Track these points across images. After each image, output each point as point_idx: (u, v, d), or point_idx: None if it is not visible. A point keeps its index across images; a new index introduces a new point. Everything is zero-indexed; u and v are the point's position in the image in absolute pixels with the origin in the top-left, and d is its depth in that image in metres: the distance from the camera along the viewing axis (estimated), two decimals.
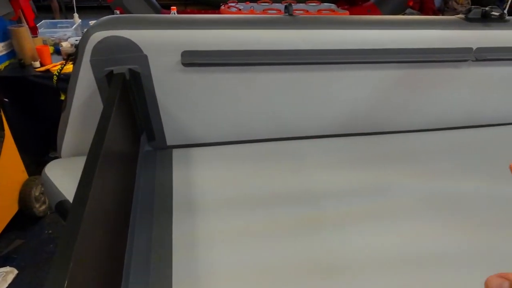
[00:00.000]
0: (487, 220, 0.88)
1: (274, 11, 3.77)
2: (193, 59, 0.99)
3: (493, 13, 1.13)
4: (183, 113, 1.08)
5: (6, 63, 2.03)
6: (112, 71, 0.95)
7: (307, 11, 3.85)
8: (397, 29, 1.10)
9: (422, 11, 5.89)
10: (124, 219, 0.78)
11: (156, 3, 4.77)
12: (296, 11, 3.91)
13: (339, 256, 0.76)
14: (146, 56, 0.96)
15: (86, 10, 5.55)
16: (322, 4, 4.17)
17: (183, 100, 1.06)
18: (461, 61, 1.15)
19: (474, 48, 1.13)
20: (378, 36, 1.09)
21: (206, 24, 0.99)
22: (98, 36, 0.93)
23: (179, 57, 0.98)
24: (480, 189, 0.98)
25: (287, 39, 1.03)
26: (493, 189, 0.98)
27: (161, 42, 0.97)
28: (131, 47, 0.94)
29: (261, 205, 0.90)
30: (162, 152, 1.09)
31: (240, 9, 3.80)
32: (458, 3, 6.29)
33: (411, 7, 6.19)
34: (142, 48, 0.95)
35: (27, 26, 2.06)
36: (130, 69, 0.96)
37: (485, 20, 1.14)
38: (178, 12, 5.10)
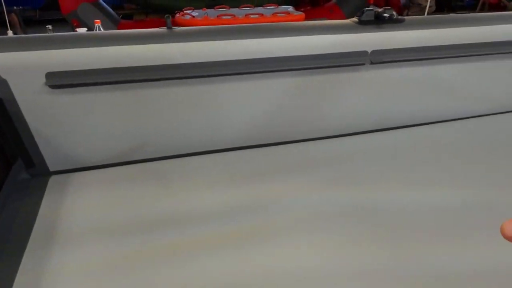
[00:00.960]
0: (365, 236, 0.82)
1: (229, 17, 3.72)
2: (59, 81, 0.92)
3: (385, 14, 1.09)
4: (61, 136, 1.01)
5: None
6: None
7: (262, 15, 3.81)
8: (288, 37, 1.06)
9: None
10: None
11: (114, 13, 4.68)
12: (251, 16, 3.87)
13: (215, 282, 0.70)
14: (5, 81, 0.90)
15: (48, 23, 5.42)
16: (279, 7, 4.14)
17: (58, 123, 0.99)
18: (357, 65, 1.10)
19: (370, 51, 1.09)
20: (266, 45, 1.04)
21: (71, 42, 0.93)
22: None
23: (44, 79, 0.91)
24: (380, 199, 0.91)
25: (164, 53, 0.98)
26: (396, 198, 0.91)
27: (21, 65, 0.90)
28: None
29: (131, 233, 0.83)
30: (39, 179, 1.02)
31: (194, 16, 3.75)
32: None
33: (376, 4, 6.24)
34: (0, 73, 0.89)
35: None
36: None
37: (379, 22, 1.10)
38: (137, 22, 5.03)
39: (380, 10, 1.10)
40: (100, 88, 0.96)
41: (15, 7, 5.45)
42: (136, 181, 1.01)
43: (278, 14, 3.80)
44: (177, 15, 3.88)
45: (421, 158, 1.05)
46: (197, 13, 3.86)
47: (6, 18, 4.46)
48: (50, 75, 0.91)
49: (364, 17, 1.10)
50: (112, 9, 5.28)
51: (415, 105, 1.21)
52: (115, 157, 1.07)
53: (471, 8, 6.38)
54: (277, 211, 0.87)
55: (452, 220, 0.82)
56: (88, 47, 0.94)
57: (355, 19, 1.12)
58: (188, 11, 3.90)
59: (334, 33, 1.08)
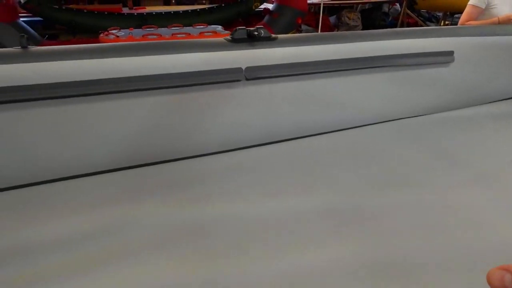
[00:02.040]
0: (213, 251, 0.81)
1: (155, 36, 3.68)
2: None
3: (256, 33, 1.12)
4: None
5: None
6: None
7: (189, 34, 3.83)
8: (160, 55, 1.05)
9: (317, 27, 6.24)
10: None
11: (36, 34, 4.44)
12: (178, 35, 3.85)
13: None
14: None
15: None
16: (207, 26, 4.18)
17: None
18: (233, 81, 1.12)
19: (244, 67, 1.11)
20: (136, 63, 1.02)
21: None
22: None
23: None
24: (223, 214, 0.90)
25: (16, 74, 0.92)
26: (256, 208, 0.90)
27: None
28: None
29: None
30: None
31: (118, 36, 3.66)
32: (350, 18, 6.81)
33: (308, 24, 6.57)
34: None
35: None
36: None
37: (251, 40, 1.14)
38: (61, 42, 4.81)
39: (252, 28, 1.13)
40: None
41: None
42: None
43: (205, 33, 3.83)
44: (101, 34, 3.77)
45: (295, 169, 1.08)
46: (122, 33, 3.78)
47: None
48: None
49: (236, 35, 1.12)
50: (43, 29, 5.03)
51: (294, 119, 1.25)
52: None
53: (393, 26, 6.93)
54: (136, 231, 0.84)
55: (313, 224, 0.84)
56: None
57: (228, 37, 1.14)
58: (114, 31, 3.80)
59: (208, 51, 1.09)
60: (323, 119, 1.28)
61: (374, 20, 7.05)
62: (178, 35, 3.74)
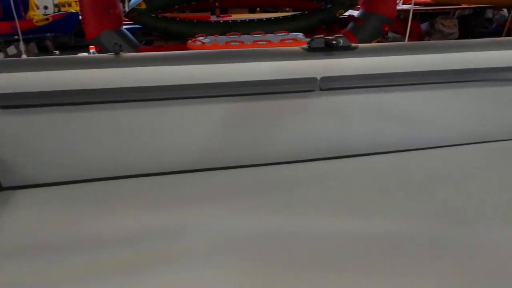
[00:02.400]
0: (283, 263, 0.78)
1: (237, 43, 3.82)
2: (9, 102, 0.97)
3: (335, 42, 1.07)
4: (13, 154, 1.05)
5: None
6: None
7: (270, 41, 3.88)
8: (237, 63, 1.07)
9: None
10: None
11: (135, 39, 4.94)
12: (259, 42, 3.94)
13: None
14: None
15: (83, 50, 5.76)
16: (289, 34, 4.20)
17: (8, 142, 1.04)
18: (306, 91, 1.09)
19: (319, 77, 1.07)
20: (213, 71, 1.05)
21: (21, 66, 0.98)
22: None
23: None
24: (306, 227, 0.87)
25: (111, 77, 1.01)
26: (326, 227, 0.86)
27: None
28: None
29: (57, 250, 0.84)
30: None
31: (204, 43, 3.87)
32: (444, 25, 6.25)
33: (396, 32, 6.19)
34: None
35: None
36: None
37: (329, 49, 1.09)
38: (156, 47, 5.27)
39: (330, 37, 1.09)
40: (48, 109, 1.00)
41: (48, 34, 5.88)
42: (78, 200, 1.02)
43: (286, 41, 3.85)
44: (189, 41, 4.03)
45: (365, 187, 1.00)
46: (208, 39, 4.00)
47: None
48: (0, 97, 0.96)
49: (313, 44, 1.09)
50: (141, 35, 5.60)
51: (367, 133, 1.16)
52: (62, 176, 1.10)
53: (497, 34, 6.18)
54: (196, 236, 0.86)
55: (375, 251, 0.77)
56: (37, 71, 0.99)
57: (305, 46, 1.11)
58: (200, 38, 4.04)
59: (283, 60, 1.08)
60: (401, 135, 1.17)
61: (474, 28, 6.37)
62: (259, 42, 3.82)
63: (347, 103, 1.13)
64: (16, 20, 3.79)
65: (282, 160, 1.17)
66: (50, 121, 1.02)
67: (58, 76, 0.99)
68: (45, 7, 7.14)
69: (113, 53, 1.05)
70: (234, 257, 0.78)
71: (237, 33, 4.29)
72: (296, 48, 1.12)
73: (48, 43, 6.16)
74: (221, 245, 0.82)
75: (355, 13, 5.19)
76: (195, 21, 5.15)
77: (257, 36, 4.11)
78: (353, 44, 1.11)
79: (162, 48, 5.00)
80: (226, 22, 5.14)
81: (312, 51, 1.09)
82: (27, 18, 5.56)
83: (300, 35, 4.13)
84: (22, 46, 4.90)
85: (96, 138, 1.06)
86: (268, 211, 0.93)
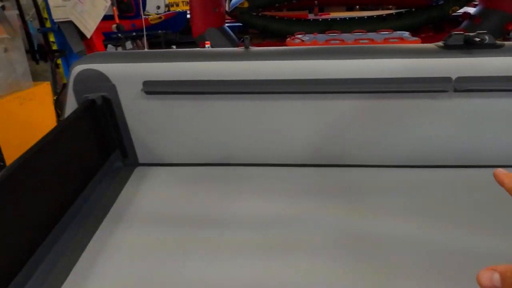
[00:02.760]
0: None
1: (337, 41, 3.74)
2: (153, 88, 1.10)
3: (478, 39, 0.97)
4: (151, 134, 1.19)
5: None
6: (88, 97, 1.13)
7: (373, 40, 3.72)
8: (365, 59, 1.04)
9: None
10: (51, 225, 0.91)
11: (234, 37, 5.18)
12: (361, 41, 3.81)
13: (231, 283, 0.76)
14: (114, 86, 1.12)
15: (186, 46, 6.30)
16: (393, 32, 3.97)
17: (149, 124, 1.18)
18: (438, 91, 1.01)
19: (454, 77, 0.99)
20: (339, 66, 1.04)
21: (163, 57, 1.11)
22: (77, 69, 1.12)
23: (141, 86, 1.11)
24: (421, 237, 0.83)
25: (238, 70, 1.07)
26: (434, 239, 0.82)
27: (126, 74, 1.11)
28: (102, 78, 1.11)
29: (185, 225, 0.94)
30: (128, 168, 1.22)
31: (303, 41, 3.88)
32: None
33: None
34: (111, 79, 1.11)
35: None
36: (102, 96, 1.13)
37: (468, 47, 0.99)
38: (254, 45, 5.45)
39: (472, 34, 0.99)
40: (184, 97, 1.11)
41: (159, 31, 6.51)
42: (202, 181, 1.12)
43: (391, 40, 3.64)
44: (288, 39, 4.08)
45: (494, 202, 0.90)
46: (307, 38, 3.99)
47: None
48: (146, 83, 1.10)
49: (450, 41, 1.00)
50: (239, 33, 5.88)
51: (503, 142, 1.03)
52: (190, 158, 1.21)
53: None
54: (315, 229, 0.87)
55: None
56: (175, 61, 1.10)
57: (440, 43, 1.03)
58: (299, 36, 4.06)
59: (415, 57, 1.02)
60: None
61: None
62: (361, 41, 3.68)
63: (483, 107, 1.02)
64: (142, 18, 4.27)
65: (399, 164, 1.11)
66: (185, 108, 1.13)
67: (194, 67, 1.09)
68: (158, 7, 7.91)
69: (243, 47, 1.11)
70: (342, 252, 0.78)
71: (336, 31, 4.20)
72: (431, 45, 1.04)
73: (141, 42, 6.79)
74: (335, 239, 0.83)
75: (471, 10, 4.67)
76: (294, 19, 5.19)
77: (359, 35, 3.96)
78: (498, 42, 0.99)
79: (260, 45, 5.14)
80: (325, 20, 5.07)
81: (448, 48, 1.00)
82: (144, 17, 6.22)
83: (405, 33, 3.87)
84: (145, 42, 5.50)
85: (225, 127, 1.14)
86: (376, 214, 0.90)
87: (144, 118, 1.17)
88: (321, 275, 0.77)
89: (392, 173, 1.08)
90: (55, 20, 2.21)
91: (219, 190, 1.07)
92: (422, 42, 3.63)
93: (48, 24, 2.22)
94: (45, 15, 2.20)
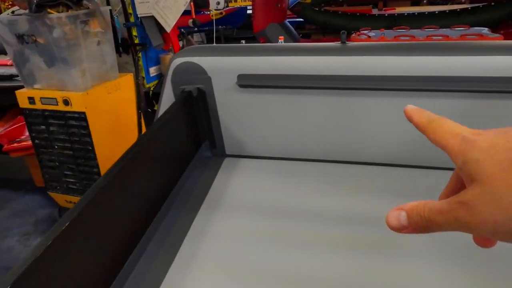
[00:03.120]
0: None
1: (407, 38, 3.57)
2: (247, 81, 1.13)
3: None
4: (240, 127, 1.23)
5: (155, 82, 2.62)
6: (184, 89, 1.18)
7: (448, 36, 3.49)
8: (468, 56, 0.98)
9: None
10: (156, 209, 0.97)
11: (295, 32, 5.15)
12: (434, 37, 3.61)
13: (324, 276, 0.77)
14: (210, 78, 1.16)
15: (241, 40, 6.38)
16: (470, 28, 3.69)
17: (239, 116, 1.21)
18: None
19: None
20: (439, 63, 0.99)
21: (258, 51, 1.13)
22: (177, 61, 1.18)
23: (235, 79, 1.14)
24: None
25: (334, 65, 1.06)
26: None
27: (221, 67, 1.15)
28: (199, 70, 1.16)
29: (277, 217, 0.96)
30: (218, 159, 1.26)
31: (369, 37, 3.75)
32: None
33: None
34: (207, 71, 1.15)
35: (173, 54, 2.62)
36: (198, 88, 1.18)
37: None
38: (314, 40, 5.36)
39: None
40: (277, 91, 1.12)
41: (220, 26, 6.65)
42: (288, 175, 1.13)
43: (468, 36, 3.40)
44: (353, 35, 3.96)
45: None
46: (373, 33, 3.85)
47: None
48: (240, 76, 1.12)
49: None
50: (296, 29, 5.84)
51: None
52: (277, 152, 1.23)
53: None
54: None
55: None
56: (270, 56, 1.11)
57: None
58: (365, 31, 3.93)
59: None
60: None
61: None
62: (434, 37, 3.47)
63: None
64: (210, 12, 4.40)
65: None
66: (277, 102, 1.14)
67: (289, 61, 1.09)
68: (217, 3, 8.06)
69: (339, 42, 1.10)
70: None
71: (405, 27, 4.00)
72: None
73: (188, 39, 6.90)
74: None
75: None
76: (358, 14, 5.03)
77: (430, 31, 3.74)
78: None
79: (320, 41, 5.06)
80: (391, 15, 4.85)
81: None
82: (206, 13, 6.40)
83: (485, 30, 3.58)
84: (203, 36, 5.66)
85: (318, 122, 1.14)
86: None
87: (235, 111, 1.20)
88: (417, 276, 0.75)
89: None
90: (138, 15, 2.34)
91: (308, 185, 1.08)
92: (504, 39, 3.34)
93: (132, 19, 2.36)
94: (130, 10, 2.34)
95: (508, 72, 0.94)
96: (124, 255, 0.82)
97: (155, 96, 2.54)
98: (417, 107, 0.40)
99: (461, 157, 0.31)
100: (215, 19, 6.87)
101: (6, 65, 3.02)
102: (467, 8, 4.62)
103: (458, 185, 0.36)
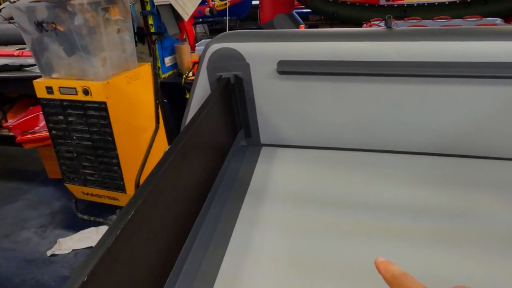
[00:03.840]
0: None
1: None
2: (287, 68, 1.11)
3: None
4: (277, 116, 1.20)
5: (170, 72, 2.59)
6: (221, 76, 1.16)
7: (461, 27, 3.45)
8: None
9: None
10: (202, 197, 0.95)
11: (304, 23, 5.10)
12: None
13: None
14: (248, 64, 1.14)
15: None
16: (483, 19, 3.66)
17: (277, 105, 1.18)
18: None
19: None
20: (484, 49, 0.97)
21: (300, 37, 1.10)
22: (213, 48, 1.15)
23: (275, 66, 1.11)
24: None
25: (380, 51, 1.04)
26: None
27: (261, 53, 1.12)
28: (237, 57, 1.13)
29: (324, 207, 0.94)
30: (254, 148, 1.24)
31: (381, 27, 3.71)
32: None
33: None
34: (246, 58, 1.13)
35: (188, 44, 2.58)
36: (235, 75, 1.15)
37: None
38: None
39: None
40: (319, 78, 1.10)
41: (224, 17, 6.58)
42: (330, 165, 1.11)
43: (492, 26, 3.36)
44: (364, 25, 3.92)
45: None
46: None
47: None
48: (281, 63, 1.10)
49: None
50: (303, 20, 5.79)
51: None
52: (313, 141, 1.21)
53: None
54: (466, 222, 0.83)
55: None
56: (313, 41, 1.08)
57: None
58: (376, 22, 3.89)
59: None
60: None
61: None
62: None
63: None
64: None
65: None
66: (318, 90, 1.12)
67: (331, 47, 1.07)
68: None
69: (385, 27, 1.08)
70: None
71: (416, 17, 3.96)
72: None
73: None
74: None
75: None
76: (366, 5, 4.97)
77: (443, 21, 3.70)
78: None
79: None
80: (401, 6, 4.80)
81: None
82: (213, 3, 6.32)
83: (498, 20, 3.55)
84: (206, 27, 5.61)
85: (355, 110, 1.12)
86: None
87: (273, 99, 1.18)
88: (471, 269, 0.73)
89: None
90: (155, 3, 2.30)
91: (349, 175, 1.06)
92: None
93: (148, 7, 2.32)
94: None
95: None
96: (178, 245, 0.80)
97: (167, 86, 2.51)
98: (385, 260, 0.42)
99: None
100: (219, 10, 6.80)
101: (13, 55, 2.98)
102: None
103: None
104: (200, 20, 5.75)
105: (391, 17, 1.09)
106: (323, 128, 1.18)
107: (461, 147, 1.09)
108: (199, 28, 5.58)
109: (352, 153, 1.17)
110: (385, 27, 1.09)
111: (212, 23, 6.78)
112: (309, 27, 5.78)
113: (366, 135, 1.15)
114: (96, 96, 1.94)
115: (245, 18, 7.05)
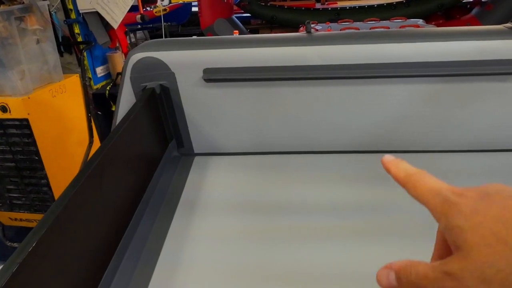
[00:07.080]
0: None
1: (352, 30, 3.72)
2: (213, 76, 1.09)
3: None
4: (208, 124, 1.18)
5: (103, 82, 2.46)
6: (146, 86, 1.11)
7: (389, 28, 3.69)
8: (429, 42, 1.03)
9: None
10: (129, 213, 0.90)
11: (243, 27, 5.13)
12: (376, 29, 3.78)
13: (318, 269, 0.76)
14: (173, 73, 1.10)
15: (187, 37, 6.22)
16: (407, 20, 3.95)
17: (207, 112, 1.16)
18: (506, 74, 1.01)
19: None
20: (401, 50, 1.04)
21: (224, 44, 1.09)
22: (136, 57, 1.10)
23: (201, 74, 1.09)
24: None
25: (302, 55, 1.06)
26: None
27: (185, 61, 1.10)
28: (161, 66, 1.09)
29: (259, 212, 0.94)
30: (187, 158, 1.21)
31: (317, 30, 3.85)
32: None
33: None
34: (170, 67, 1.09)
35: (121, 52, 2.47)
36: (161, 85, 1.11)
37: None
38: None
39: None
40: (245, 84, 1.10)
41: (164, 23, 6.42)
42: (264, 169, 1.11)
43: (406, 27, 3.62)
44: (301, 28, 4.04)
45: None
46: (320, 27, 3.96)
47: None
48: (206, 70, 1.08)
49: None
50: (244, 24, 5.83)
51: None
52: (247, 147, 1.20)
53: None
54: (392, 215, 0.87)
55: None
56: (237, 48, 1.08)
57: (509, 24, 1.03)
58: (312, 25, 4.03)
59: (481, 39, 1.01)
60: None
61: None
62: (377, 30, 3.66)
63: None
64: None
65: (463, 149, 1.12)
66: (245, 96, 1.12)
67: (256, 53, 1.07)
68: None
69: (305, 32, 1.10)
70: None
71: (349, 20, 4.17)
72: (498, 27, 1.04)
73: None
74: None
75: None
76: (303, 8, 5.15)
77: (373, 23, 3.94)
78: None
79: None
80: (334, 9, 5.04)
81: None
82: (149, 9, 6.14)
83: (420, 21, 3.85)
84: (146, 33, 5.44)
85: (283, 114, 1.13)
86: None
87: (202, 107, 1.16)
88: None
89: (457, 158, 1.09)
90: (80, 11, 2.17)
91: (284, 179, 1.07)
92: None
93: (73, 15, 2.19)
94: (70, 6, 2.16)
95: (464, 56, 1.00)
96: (99, 270, 0.75)
97: (112, 97, 2.38)
98: (394, 158, 0.37)
99: (444, 220, 0.30)
100: (159, 16, 6.64)
101: None
102: (402, 1, 4.94)
103: (445, 247, 0.35)
104: (139, 26, 5.56)
105: (310, 22, 1.12)
106: (254, 134, 1.18)
107: (383, 143, 1.15)
108: (140, 35, 5.38)
109: (285, 156, 1.18)
110: (305, 32, 1.11)
111: (153, 29, 6.59)
112: (250, 31, 5.84)
113: (295, 137, 1.17)
114: (16, 113, 1.77)
115: (187, 23, 6.95)
